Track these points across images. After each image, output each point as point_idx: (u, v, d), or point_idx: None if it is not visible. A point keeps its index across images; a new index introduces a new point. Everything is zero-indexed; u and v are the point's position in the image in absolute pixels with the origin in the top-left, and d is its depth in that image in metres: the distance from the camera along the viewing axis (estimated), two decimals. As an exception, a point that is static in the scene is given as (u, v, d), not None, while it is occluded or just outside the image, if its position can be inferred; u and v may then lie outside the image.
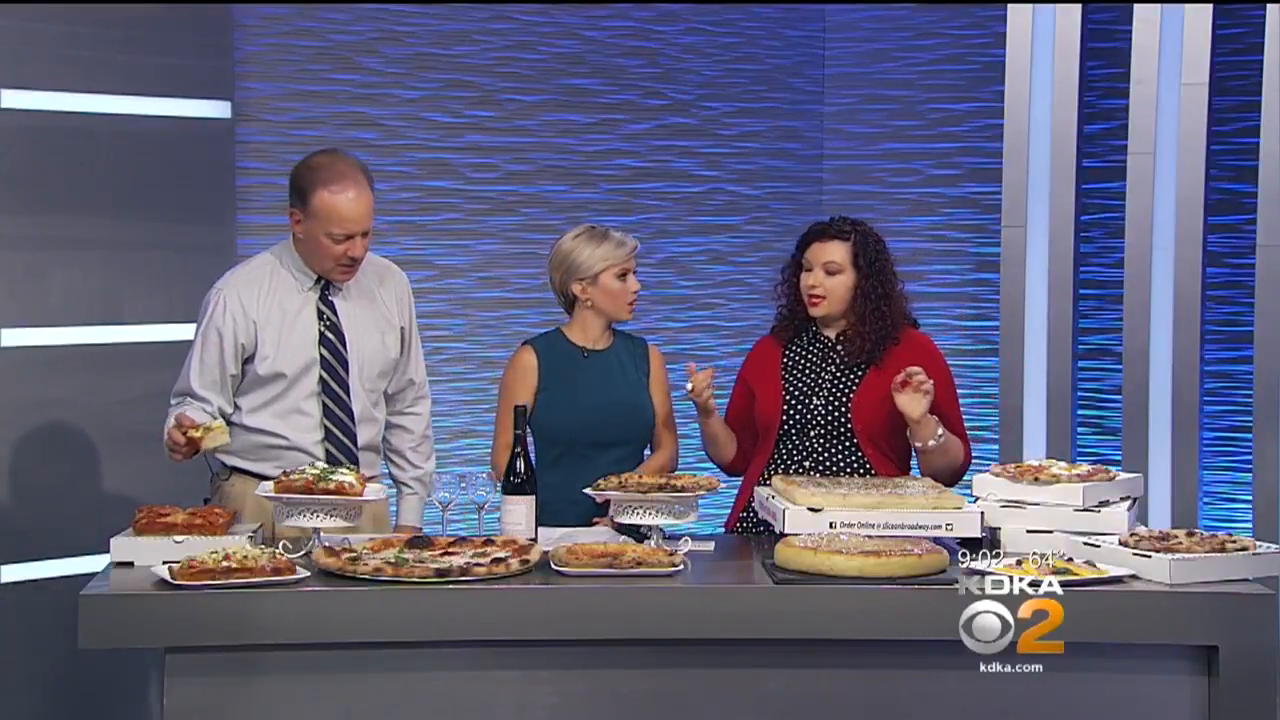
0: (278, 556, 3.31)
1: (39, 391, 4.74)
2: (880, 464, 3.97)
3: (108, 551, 3.46)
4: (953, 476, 3.96)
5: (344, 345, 3.91)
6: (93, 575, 3.41)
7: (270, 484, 3.57)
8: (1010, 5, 5.34)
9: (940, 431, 3.88)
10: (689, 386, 3.91)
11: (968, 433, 4.07)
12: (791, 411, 4.00)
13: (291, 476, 3.51)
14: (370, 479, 3.88)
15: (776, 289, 4.11)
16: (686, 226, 6.08)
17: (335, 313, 3.91)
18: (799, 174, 6.25)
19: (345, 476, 3.52)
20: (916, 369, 3.82)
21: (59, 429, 4.78)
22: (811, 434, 4.00)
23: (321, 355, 3.89)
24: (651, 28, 5.97)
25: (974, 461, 4.06)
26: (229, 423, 3.82)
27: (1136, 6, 5.15)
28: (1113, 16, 5.33)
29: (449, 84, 5.65)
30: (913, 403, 3.82)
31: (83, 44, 4.78)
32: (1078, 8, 5.26)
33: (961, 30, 5.98)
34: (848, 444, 3.98)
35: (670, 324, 6.02)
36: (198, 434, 3.64)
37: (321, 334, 3.89)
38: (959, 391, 4.12)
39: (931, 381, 3.82)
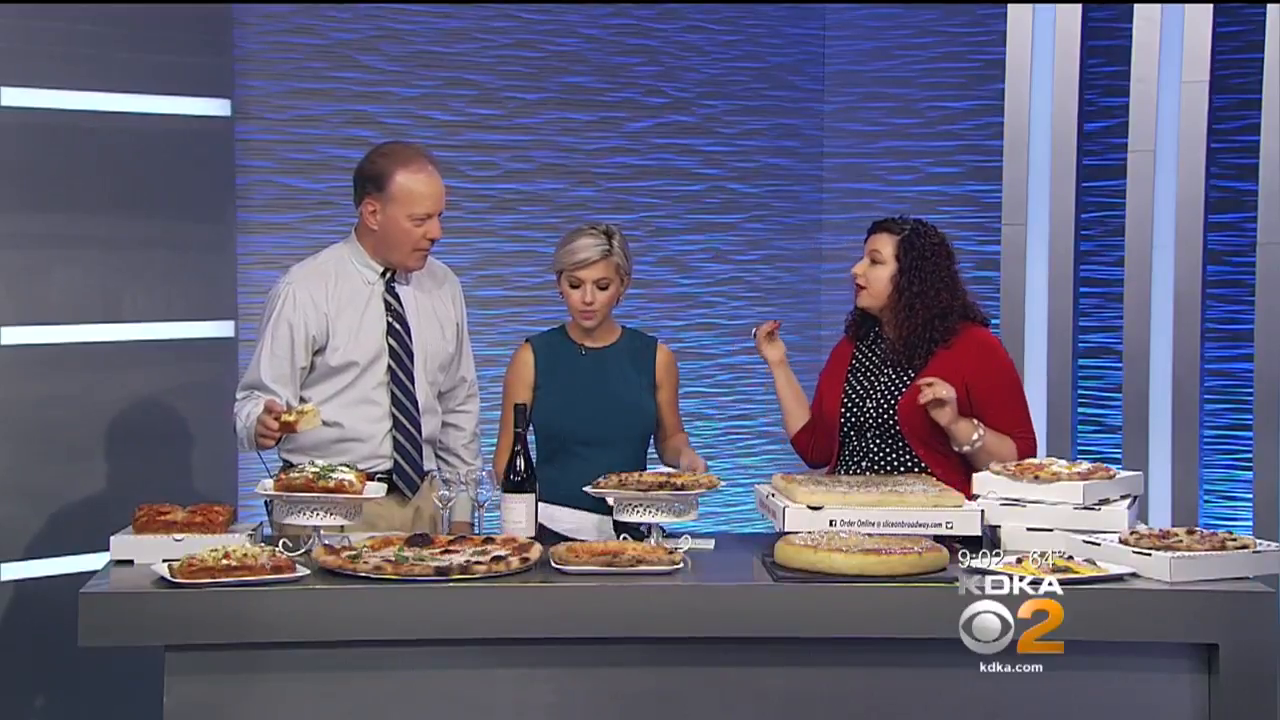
0: (277, 554, 3.31)
1: (39, 390, 4.73)
2: (935, 463, 3.95)
3: (108, 550, 3.47)
4: None
5: (409, 336, 3.99)
6: (93, 574, 3.41)
7: (270, 481, 3.58)
8: (1010, 4, 5.34)
9: (976, 436, 3.89)
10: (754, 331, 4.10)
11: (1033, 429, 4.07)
12: (848, 414, 4.03)
13: (291, 475, 3.52)
14: (426, 473, 4.00)
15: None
16: (686, 224, 6.08)
17: (401, 304, 4.00)
18: (799, 172, 6.24)
19: (345, 474, 3.53)
20: (927, 380, 3.85)
21: (59, 428, 4.77)
22: (868, 435, 4.02)
23: (389, 345, 3.97)
24: (652, 25, 5.97)
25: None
26: None
27: (1137, 5, 5.15)
28: (1113, 14, 5.32)
29: (449, 82, 5.65)
30: (937, 413, 3.87)
31: (83, 42, 4.78)
32: (1078, 6, 5.25)
33: (962, 28, 5.98)
34: (901, 444, 3.99)
35: (670, 322, 6.02)
36: (291, 417, 3.64)
37: (389, 325, 3.97)
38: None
39: (946, 389, 3.83)
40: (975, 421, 3.90)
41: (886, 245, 4.02)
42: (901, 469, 3.98)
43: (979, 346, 4.03)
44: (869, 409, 4.02)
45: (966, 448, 3.90)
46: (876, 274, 4.02)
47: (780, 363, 4.16)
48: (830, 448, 4.08)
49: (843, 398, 4.06)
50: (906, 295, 3.98)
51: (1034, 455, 3.99)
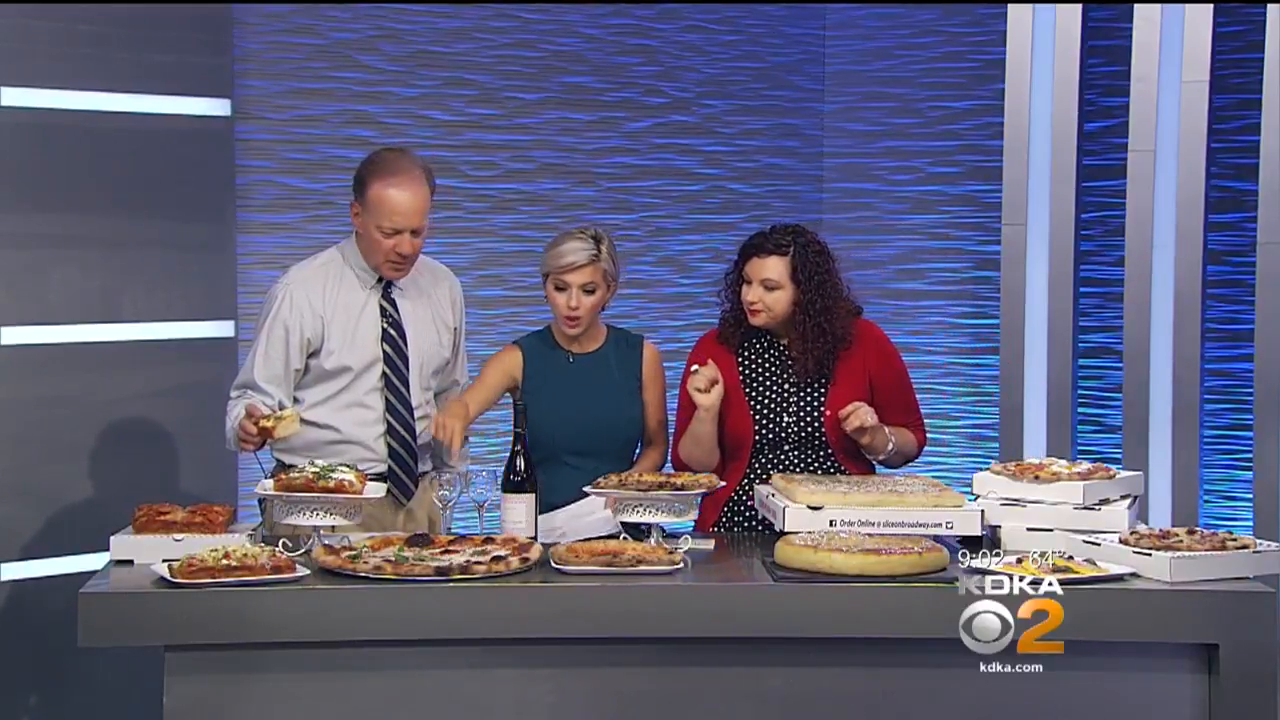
0: (277, 555, 3.31)
1: (39, 390, 4.73)
2: (852, 467, 3.99)
3: (107, 550, 3.47)
4: (906, 464, 4.05)
5: (404, 342, 3.97)
6: (92, 574, 3.41)
7: (270, 481, 3.58)
8: (1010, 3, 5.33)
9: (891, 446, 3.93)
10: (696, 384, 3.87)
11: (925, 421, 4.13)
12: (763, 430, 3.99)
13: (291, 475, 3.51)
14: (421, 474, 4.00)
15: (720, 295, 4.07)
16: (686, 224, 6.08)
17: (397, 310, 3.98)
18: (799, 172, 6.24)
19: (345, 474, 3.53)
20: (847, 410, 3.83)
21: (59, 428, 4.77)
22: (785, 447, 3.99)
23: (384, 351, 3.95)
24: (651, 25, 5.96)
25: (975, 460, 4.06)
26: None
27: (1137, 5, 5.15)
28: (1113, 14, 5.32)
29: (449, 82, 5.65)
30: (860, 437, 3.89)
31: (82, 41, 4.78)
32: (1078, 6, 5.25)
33: (962, 28, 5.97)
34: (822, 454, 3.99)
35: (669, 322, 6.02)
36: (269, 423, 3.65)
37: (384, 330, 3.96)
38: (938, 383, 4.12)
39: (870, 415, 3.82)
40: (887, 431, 3.92)
41: (776, 268, 3.92)
42: (822, 474, 3.96)
43: (876, 346, 4.05)
44: (787, 424, 3.98)
45: (882, 457, 3.95)
46: (776, 299, 3.93)
47: (714, 407, 3.90)
48: (723, 460, 3.99)
49: (752, 414, 3.99)
50: (813, 313, 3.93)
51: (925, 442, 4.08)
